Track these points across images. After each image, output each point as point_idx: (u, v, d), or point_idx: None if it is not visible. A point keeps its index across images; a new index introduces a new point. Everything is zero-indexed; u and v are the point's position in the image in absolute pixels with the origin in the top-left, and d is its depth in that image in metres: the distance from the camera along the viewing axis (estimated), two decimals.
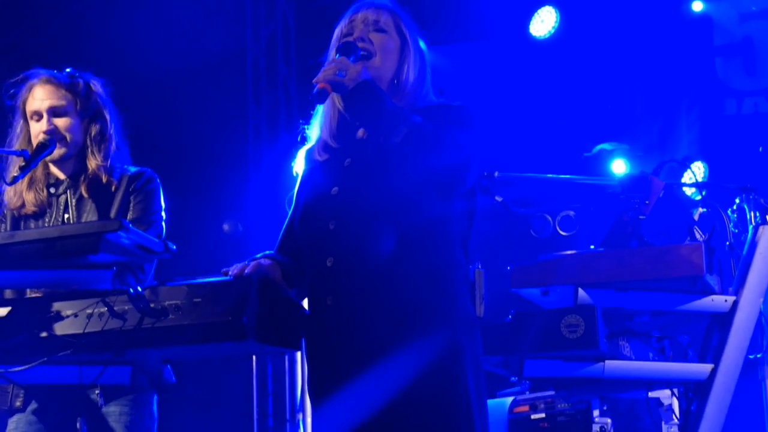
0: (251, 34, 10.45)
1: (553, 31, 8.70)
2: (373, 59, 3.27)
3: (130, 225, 3.13)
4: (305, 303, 3.34)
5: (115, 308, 2.96)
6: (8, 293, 3.43)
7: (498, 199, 4.26)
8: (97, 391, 3.59)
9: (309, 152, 3.38)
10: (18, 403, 3.68)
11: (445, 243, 3.17)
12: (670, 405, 4.58)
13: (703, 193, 4.74)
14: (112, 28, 8.76)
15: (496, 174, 4.32)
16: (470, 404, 3.07)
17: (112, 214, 3.74)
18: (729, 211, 4.71)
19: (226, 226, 8.42)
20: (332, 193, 3.19)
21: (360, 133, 3.26)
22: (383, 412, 2.99)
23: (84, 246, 2.92)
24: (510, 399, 4.67)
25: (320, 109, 3.33)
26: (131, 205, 3.80)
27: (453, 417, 3.03)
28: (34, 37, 7.90)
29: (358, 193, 3.16)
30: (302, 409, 7.07)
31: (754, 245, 4.09)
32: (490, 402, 4.31)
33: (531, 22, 8.74)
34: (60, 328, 2.99)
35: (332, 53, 3.32)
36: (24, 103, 3.82)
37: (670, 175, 6.73)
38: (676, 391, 4.41)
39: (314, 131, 3.36)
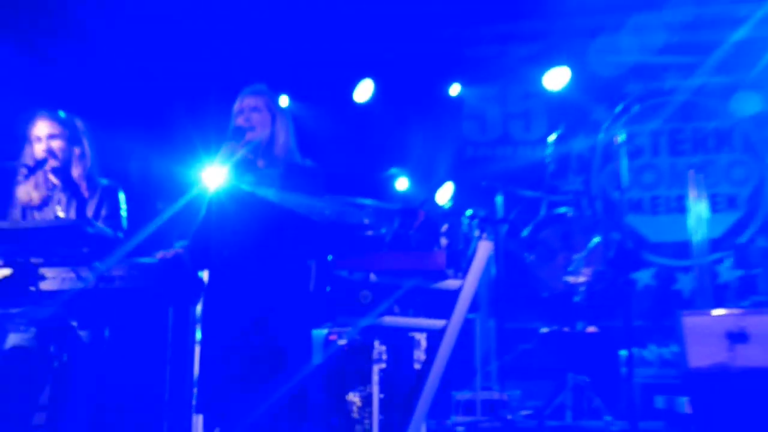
0: None
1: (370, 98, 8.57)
2: (254, 131, 3.26)
3: (93, 221, 3.12)
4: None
5: (81, 274, 2.92)
6: None
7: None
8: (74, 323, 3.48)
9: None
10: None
11: (293, 256, 3.21)
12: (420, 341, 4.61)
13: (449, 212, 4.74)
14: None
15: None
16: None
17: (90, 213, 3.65)
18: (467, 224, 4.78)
19: (160, 204, 7.96)
20: (231, 212, 3.27)
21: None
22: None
23: (66, 232, 2.90)
24: (326, 330, 4.64)
25: None
26: (104, 208, 3.70)
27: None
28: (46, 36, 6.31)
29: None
30: None
31: (474, 250, 4.07)
32: (315, 332, 4.32)
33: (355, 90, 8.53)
34: (44, 285, 2.95)
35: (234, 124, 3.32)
36: (30, 132, 3.73)
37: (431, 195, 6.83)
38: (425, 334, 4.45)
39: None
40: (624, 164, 4.84)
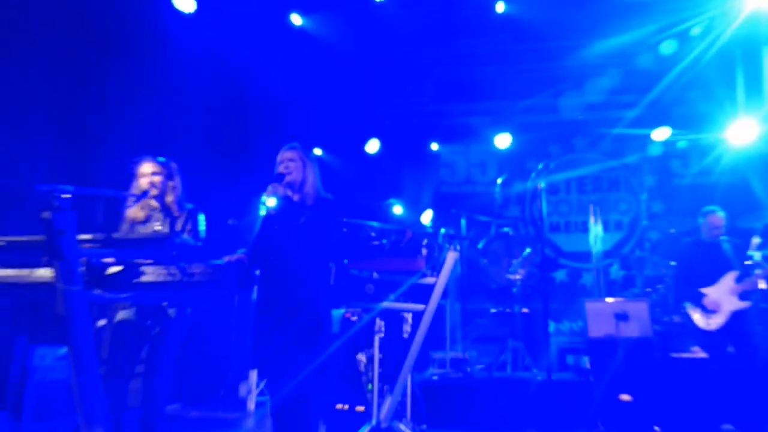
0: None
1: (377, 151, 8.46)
2: (291, 174, 3.13)
3: (182, 234, 2.95)
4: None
5: (171, 271, 2.73)
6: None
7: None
8: (165, 304, 3.31)
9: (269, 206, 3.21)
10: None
11: (319, 260, 3.06)
12: (407, 318, 4.50)
13: (430, 230, 4.65)
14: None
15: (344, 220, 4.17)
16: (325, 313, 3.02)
17: (178, 228, 3.47)
18: (441, 239, 4.64)
19: (230, 221, 7.78)
20: (275, 230, 3.07)
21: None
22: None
23: (160, 242, 2.70)
24: (343, 311, 4.51)
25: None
26: (188, 224, 3.51)
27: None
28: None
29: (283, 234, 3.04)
30: None
31: (444, 258, 3.99)
32: (334, 311, 4.16)
33: (366, 145, 8.38)
34: (144, 278, 2.75)
35: (277, 171, 3.17)
36: (138, 170, 3.55)
37: (417, 218, 6.68)
38: (411, 314, 4.33)
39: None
40: (544, 202, 4.77)
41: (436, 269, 3.99)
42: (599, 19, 6.81)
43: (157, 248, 2.68)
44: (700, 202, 5.53)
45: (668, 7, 6.51)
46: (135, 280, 2.75)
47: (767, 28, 6.62)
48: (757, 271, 4.64)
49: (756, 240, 5.66)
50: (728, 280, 4.63)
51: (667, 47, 7.11)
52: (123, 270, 2.80)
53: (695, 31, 6.81)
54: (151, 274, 2.75)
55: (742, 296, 4.56)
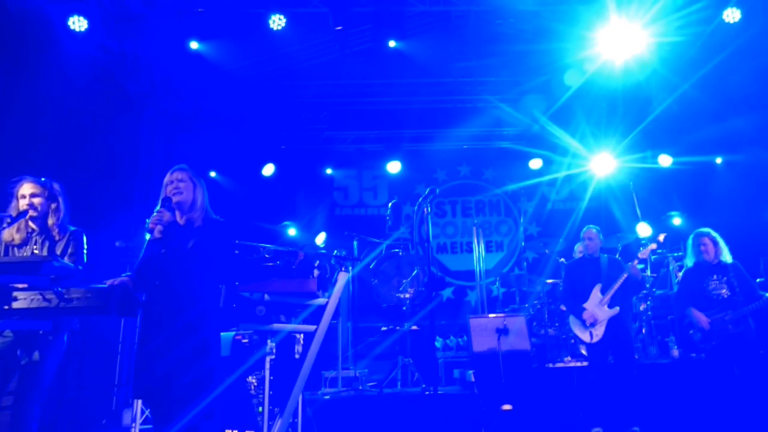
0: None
1: (273, 174, 8.36)
2: (181, 195, 3.02)
3: (62, 258, 2.74)
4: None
5: (47, 296, 2.55)
6: None
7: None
8: (41, 332, 3.05)
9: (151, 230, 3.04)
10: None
11: (208, 283, 2.97)
12: (299, 339, 4.41)
13: (323, 252, 4.64)
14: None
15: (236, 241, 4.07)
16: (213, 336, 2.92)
17: (59, 251, 3.23)
18: (333, 260, 4.65)
19: (118, 243, 7.31)
20: (162, 253, 2.92)
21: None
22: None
23: (36, 266, 2.52)
24: (233, 333, 4.34)
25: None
26: (70, 247, 3.27)
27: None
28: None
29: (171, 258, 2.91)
30: None
31: (335, 279, 4.00)
32: (224, 334, 4.03)
33: (262, 169, 8.27)
34: (16, 304, 2.55)
35: (162, 195, 3.05)
36: (17, 191, 3.29)
37: (311, 240, 6.63)
38: (302, 335, 4.26)
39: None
40: (430, 225, 4.89)
41: (327, 290, 3.98)
42: (484, 58, 7.22)
43: (32, 272, 2.51)
44: (570, 224, 5.75)
45: (541, 56, 6.99)
46: (5, 307, 2.56)
47: (618, 77, 7.29)
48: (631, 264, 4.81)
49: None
50: (596, 293, 4.79)
51: (572, 77, 7.42)
52: None
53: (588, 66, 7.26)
54: (24, 299, 2.57)
55: (611, 304, 4.72)
